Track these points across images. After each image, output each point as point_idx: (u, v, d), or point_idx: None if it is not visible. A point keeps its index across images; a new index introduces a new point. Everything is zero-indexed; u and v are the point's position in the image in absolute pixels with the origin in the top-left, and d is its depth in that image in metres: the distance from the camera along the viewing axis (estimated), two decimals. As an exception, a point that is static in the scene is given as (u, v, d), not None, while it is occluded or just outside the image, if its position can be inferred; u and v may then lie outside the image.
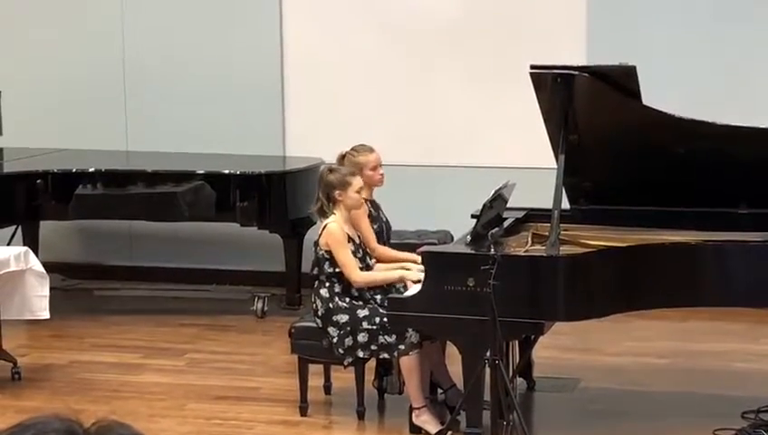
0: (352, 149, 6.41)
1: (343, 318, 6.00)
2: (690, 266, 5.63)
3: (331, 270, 6.04)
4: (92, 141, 8.90)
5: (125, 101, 9.13)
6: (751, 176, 5.95)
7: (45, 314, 6.70)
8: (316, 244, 6.11)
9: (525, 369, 6.53)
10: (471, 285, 5.44)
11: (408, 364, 5.91)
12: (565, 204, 5.98)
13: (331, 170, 6.14)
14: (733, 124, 5.77)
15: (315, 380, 6.38)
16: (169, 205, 7.98)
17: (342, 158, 6.34)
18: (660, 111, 5.72)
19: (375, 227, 6.39)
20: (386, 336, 5.92)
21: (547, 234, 5.68)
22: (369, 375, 6.30)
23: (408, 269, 6.15)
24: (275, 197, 8.09)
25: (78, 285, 9.12)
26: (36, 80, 9.24)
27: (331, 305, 6.04)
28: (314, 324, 6.14)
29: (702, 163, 5.91)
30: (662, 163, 5.99)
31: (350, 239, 6.06)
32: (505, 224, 6.13)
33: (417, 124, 8.62)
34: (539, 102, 5.81)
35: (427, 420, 5.94)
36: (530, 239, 5.98)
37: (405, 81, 8.66)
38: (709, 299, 5.83)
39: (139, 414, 6.21)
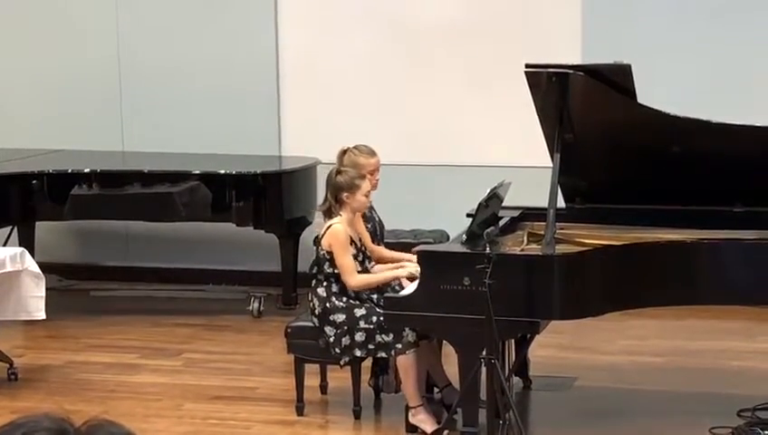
0: (355, 147, 6.33)
1: (340, 317, 6.00)
2: (685, 265, 5.63)
3: (330, 270, 6.03)
4: (88, 142, 8.89)
5: (120, 101, 9.12)
6: (746, 174, 5.95)
7: (41, 315, 6.70)
8: (318, 243, 6.09)
9: (521, 368, 6.53)
10: (467, 284, 5.44)
11: (405, 363, 5.91)
12: (561, 203, 5.98)
13: (339, 172, 6.06)
14: (728, 123, 5.77)
15: (312, 379, 6.38)
16: (165, 205, 7.97)
17: (344, 154, 6.29)
18: (655, 110, 5.72)
19: (368, 226, 6.38)
20: (383, 335, 5.91)
21: (543, 233, 5.68)
22: (366, 375, 6.31)
23: (402, 268, 6.16)
24: (271, 197, 8.08)
25: (74, 286, 9.12)
26: (32, 81, 9.23)
27: (328, 305, 6.03)
28: (310, 324, 6.14)
29: (697, 162, 5.91)
30: (657, 162, 5.99)
31: (351, 241, 6.05)
32: (501, 223, 6.14)
33: (412, 123, 8.62)
34: (534, 101, 5.81)
35: (423, 420, 5.94)
36: (525, 238, 5.98)
37: (400, 80, 8.65)
38: (705, 297, 5.83)
39: (135, 414, 6.21)
